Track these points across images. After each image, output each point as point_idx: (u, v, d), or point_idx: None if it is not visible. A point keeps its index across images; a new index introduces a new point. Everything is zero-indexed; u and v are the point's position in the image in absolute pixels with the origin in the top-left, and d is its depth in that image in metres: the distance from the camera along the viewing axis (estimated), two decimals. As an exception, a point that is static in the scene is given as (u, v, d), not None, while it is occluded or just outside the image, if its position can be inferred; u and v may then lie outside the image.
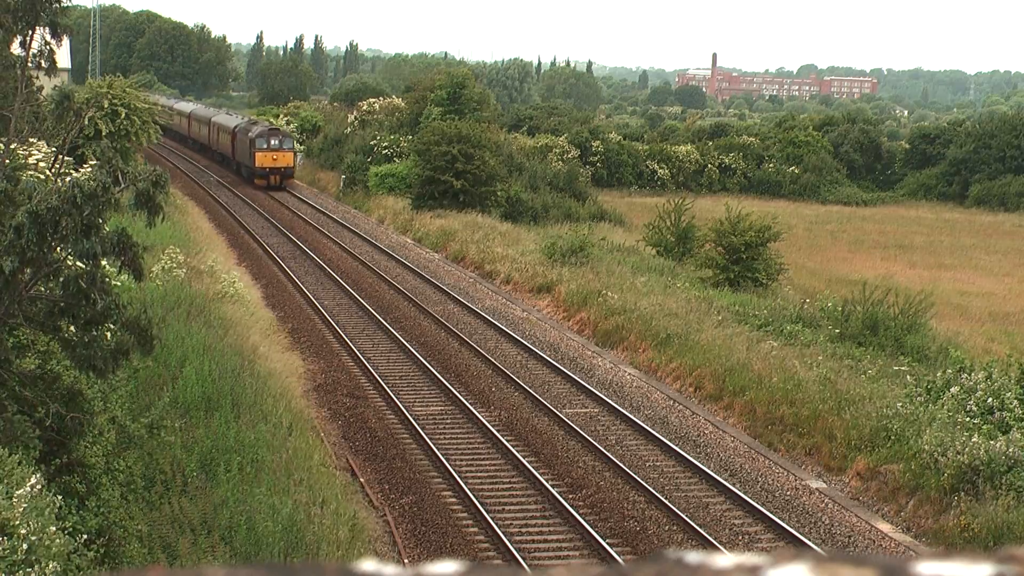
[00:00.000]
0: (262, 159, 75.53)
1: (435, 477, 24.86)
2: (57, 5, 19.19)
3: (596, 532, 21.78)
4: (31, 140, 30.54)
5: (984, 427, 24.96)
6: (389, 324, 38.38)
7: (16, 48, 21.01)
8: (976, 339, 41.61)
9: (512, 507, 23.33)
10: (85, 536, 14.75)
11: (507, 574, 1.56)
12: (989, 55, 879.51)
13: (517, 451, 26.28)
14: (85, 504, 16.62)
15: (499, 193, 62.58)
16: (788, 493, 24.72)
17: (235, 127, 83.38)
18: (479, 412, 29.12)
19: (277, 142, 76.17)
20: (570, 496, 23.74)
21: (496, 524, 22.03)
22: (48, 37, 19.49)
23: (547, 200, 66.54)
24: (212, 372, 26.32)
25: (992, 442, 23.49)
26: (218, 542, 19.01)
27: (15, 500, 12.62)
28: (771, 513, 23.12)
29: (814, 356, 32.09)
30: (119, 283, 22.66)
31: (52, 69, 19.76)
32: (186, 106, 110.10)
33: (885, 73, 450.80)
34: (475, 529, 22.21)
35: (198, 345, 28.33)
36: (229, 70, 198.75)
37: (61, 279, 15.96)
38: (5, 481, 13.47)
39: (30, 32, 19.35)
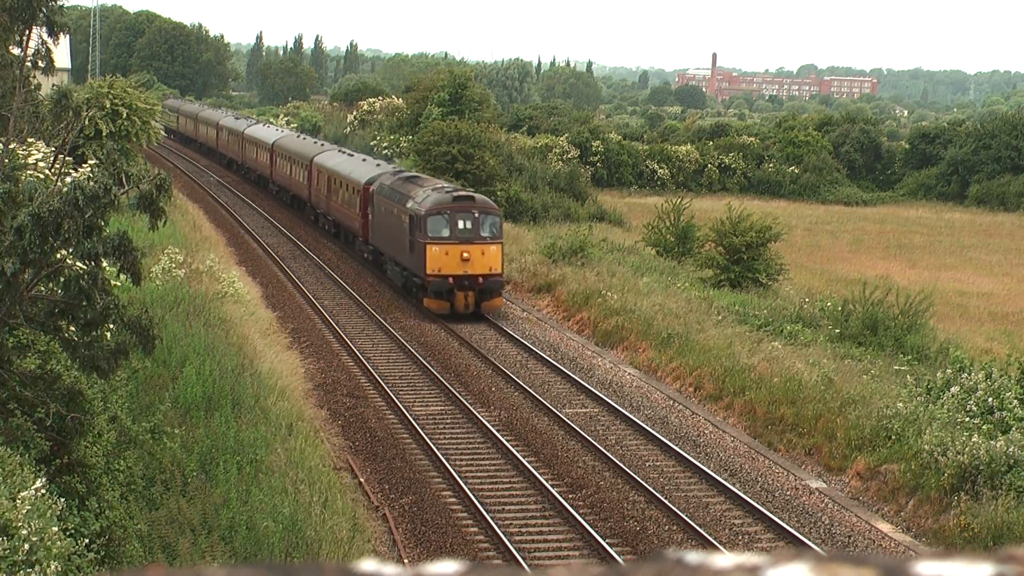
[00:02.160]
0: (440, 259, 39.25)
1: (435, 477, 24.86)
2: (54, 3, 19.19)
3: (596, 532, 21.79)
4: (30, 140, 30.52)
5: (984, 427, 24.95)
6: (389, 324, 38.38)
7: (14, 48, 21.01)
8: (976, 339, 41.62)
9: (512, 507, 23.33)
10: (86, 540, 14.74)
11: (507, 574, 1.56)
12: (989, 55, 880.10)
13: (517, 451, 26.28)
14: (85, 504, 16.62)
15: (499, 193, 62.64)
16: (788, 493, 24.72)
17: (370, 183, 47.02)
18: (479, 412, 29.12)
19: (470, 224, 39.59)
20: (570, 496, 23.74)
21: (496, 524, 22.04)
22: (45, 36, 19.51)
23: (547, 200, 66.61)
24: (212, 372, 26.32)
25: (992, 442, 23.49)
26: (218, 542, 19.01)
27: (19, 502, 12.62)
28: (771, 513, 23.12)
29: (817, 356, 32.07)
30: (118, 284, 22.67)
31: (50, 68, 19.77)
32: (265, 133, 74.78)
33: (885, 73, 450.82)
34: (475, 529, 22.21)
35: (198, 345, 28.32)
36: (229, 70, 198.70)
37: (62, 279, 15.97)
38: (8, 482, 13.48)
39: (27, 31, 19.36)
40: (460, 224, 39.41)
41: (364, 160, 53.87)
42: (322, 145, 63.37)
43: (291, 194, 64.67)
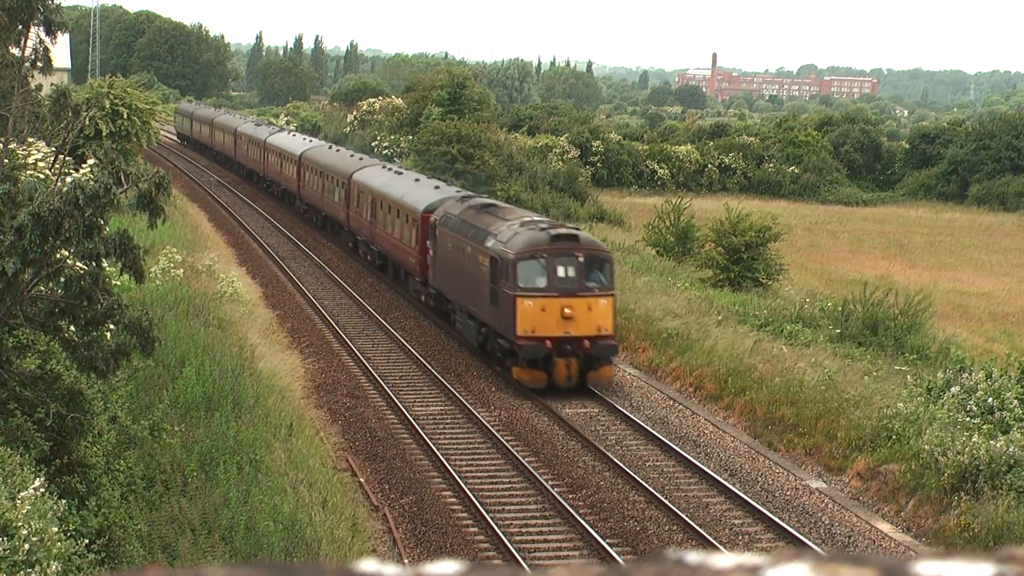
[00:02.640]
0: (535, 316, 30.83)
1: (435, 477, 24.86)
2: (51, 3, 19.19)
3: (596, 532, 21.78)
4: (30, 140, 30.54)
5: (984, 427, 24.96)
6: (389, 324, 38.37)
7: (13, 48, 21.02)
8: (976, 339, 41.63)
9: (512, 507, 23.33)
10: (86, 541, 14.75)
11: (507, 574, 1.56)
12: (989, 55, 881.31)
13: (517, 451, 26.28)
14: (85, 504, 16.62)
15: (499, 193, 62.72)
16: (788, 493, 24.71)
17: (431, 210, 39.17)
18: (479, 412, 29.12)
19: (573, 271, 31.08)
20: (570, 496, 23.74)
21: (496, 524, 22.04)
22: (43, 35, 19.50)
23: (547, 200, 66.63)
24: (212, 372, 26.32)
25: (992, 442, 23.49)
26: (218, 542, 19.01)
27: (18, 502, 12.63)
28: (771, 513, 23.11)
29: (818, 357, 32.06)
30: (119, 284, 22.67)
31: (47, 68, 19.76)
32: (291, 142, 65.52)
33: (885, 73, 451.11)
34: (475, 529, 22.22)
35: (198, 345, 28.33)
36: (229, 70, 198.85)
37: (63, 279, 15.97)
38: (8, 482, 13.48)
39: (26, 30, 19.36)
40: (560, 271, 30.75)
41: (418, 180, 45.23)
42: (361, 159, 53.92)
43: (323, 215, 56.35)
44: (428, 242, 38.24)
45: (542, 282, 30.73)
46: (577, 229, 33.94)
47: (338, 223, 53.32)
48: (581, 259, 30.89)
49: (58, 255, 15.75)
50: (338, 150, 59.94)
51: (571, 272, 30.80)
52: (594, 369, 30.98)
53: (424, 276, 39.07)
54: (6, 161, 19.70)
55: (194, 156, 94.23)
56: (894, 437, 25.44)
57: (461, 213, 36.13)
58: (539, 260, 30.87)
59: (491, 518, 22.29)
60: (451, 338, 37.01)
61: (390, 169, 49.74)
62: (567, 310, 30.44)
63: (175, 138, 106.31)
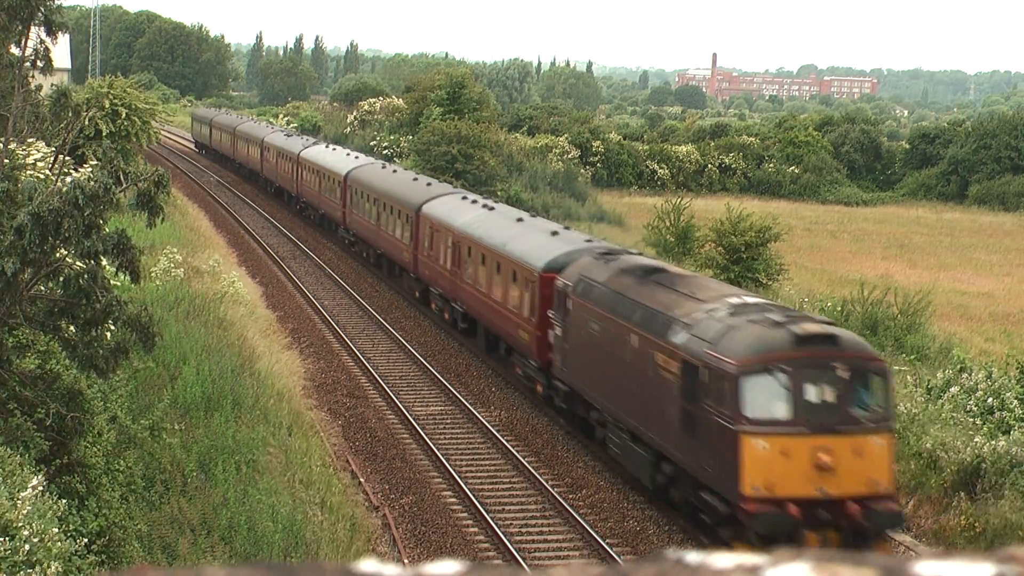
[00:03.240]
0: (772, 465, 19.32)
1: (435, 477, 24.86)
2: (51, 3, 19.20)
3: (596, 532, 21.78)
4: (30, 140, 30.53)
5: (985, 427, 24.95)
6: (389, 324, 38.36)
7: (13, 47, 21.03)
8: (975, 339, 41.63)
9: (512, 507, 23.34)
10: (86, 540, 14.74)
11: (507, 574, 1.56)
12: (989, 55, 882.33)
13: (517, 451, 26.28)
14: (85, 504, 16.61)
15: (499, 193, 62.76)
16: (788, 493, 24.65)
17: (556, 269, 28.51)
18: (479, 412, 29.11)
19: (831, 394, 19.57)
20: (570, 496, 23.74)
21: (496, 524, 22.04)
22: (43, 35, 19.50)
23: (547, 200, 66.64)
24: (212, 372, 26.31)
25: (993, 442, 23.49)
26: (218, 542, 19.02)
27: (19, 502, 12.62)
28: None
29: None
30: (117, 284, 22.67)
31: (48, 68, 19.75)
32: (333, 159, 55.11)
33: (885, 73, 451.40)
34: (475, 529, 22.22)
35: (197, 345, 28.31)
36: (229, 70, 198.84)
37: (62, 279, 15.97)
38: (8, 482, 13.48)
39: (26, 30, 19.36)
40: (812, 393, 19.76)
41: (521, 220, 34.20)
42: (429, 185, 42.75)
43: (378, 252, 45.87)
44: (552, 314, 28.06)
45: (783, 411, 19.74)
46: (832, 323, 22.19)
47: (399, 265, 42.89)
48: (845, 374, 19.86)
49: (57, 255, 15.76)
50: (395, 170, 49.07)
51: (829, 395, 19.83)
52: (867, 547, 19.41)
53: (543, 361, 28.72)
54: (6, 161, 19.71)
55: (194, 156, 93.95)
56: (897, 437, 25.42)
57: (611, 281, 25.33)
58: (777, 375, 19.76)
59: (491, 518, 22.30)
60: (450, 337, 36.97)
61: (475, 201, 38.20)
62: (824, 456, 19.53)
63: (192, 147, 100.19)
